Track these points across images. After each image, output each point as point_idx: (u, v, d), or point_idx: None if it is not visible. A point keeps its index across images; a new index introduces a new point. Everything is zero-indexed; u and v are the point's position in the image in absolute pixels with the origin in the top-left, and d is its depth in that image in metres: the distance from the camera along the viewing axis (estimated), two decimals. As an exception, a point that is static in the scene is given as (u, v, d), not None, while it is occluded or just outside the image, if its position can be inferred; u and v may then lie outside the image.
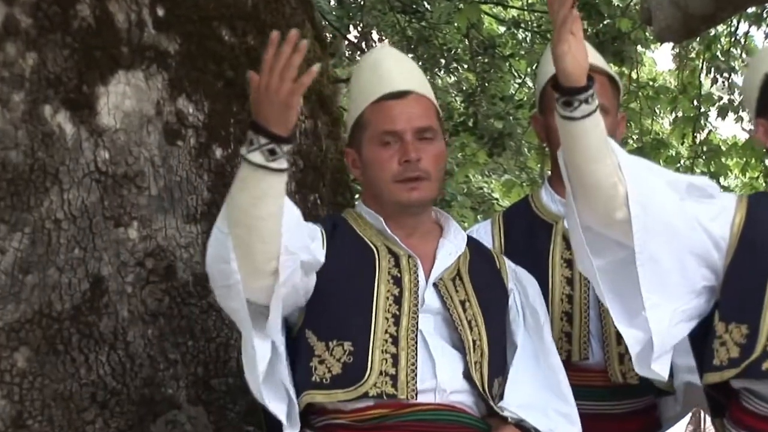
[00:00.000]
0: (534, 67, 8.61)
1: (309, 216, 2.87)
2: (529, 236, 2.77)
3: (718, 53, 8.96)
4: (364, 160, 2.41)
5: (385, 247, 2.37)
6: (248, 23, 2.87)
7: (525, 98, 9.39)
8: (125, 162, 2.61)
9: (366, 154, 2.40)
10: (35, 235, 2.50)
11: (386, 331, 2.27)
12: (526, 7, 8.98)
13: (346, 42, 9.50)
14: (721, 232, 2.33)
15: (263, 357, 2.17)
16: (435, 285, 2.37)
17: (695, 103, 9.06)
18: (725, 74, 9.03)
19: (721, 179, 9.24)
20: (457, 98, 10.25)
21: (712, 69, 9.03)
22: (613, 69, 3.43)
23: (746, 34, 9.07)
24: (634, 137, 9.64)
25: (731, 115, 9.31)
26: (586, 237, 2.29)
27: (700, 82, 9.07)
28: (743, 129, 9.99)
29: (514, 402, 2.33)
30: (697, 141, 9.24)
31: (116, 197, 2.58)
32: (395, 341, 2.27)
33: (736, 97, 9.16)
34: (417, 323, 2.30)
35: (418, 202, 2.37)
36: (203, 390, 2.61)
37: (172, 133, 2.69)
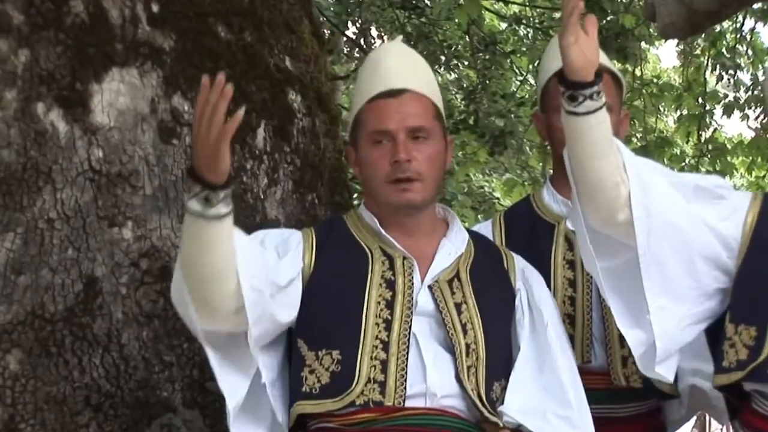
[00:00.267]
0: (536, 64, 8.59)
1: (307, 215, 2.84)
2: (531, 237, 2.73)
3: (724, 50, 8.94)
4: (360, 159, 2.38)
5: (380, 249, 2.34)
6: (245, 19, 2.84)
7: (526, 96, 9.38)
8: (119, 161, 2.58)
9: (361, 153, 2.37)
10: (28, 236, 2.47)
11: (377, 337, 2.24)
12: (527, 3, 8.95)
13: (345, 38, 9.48)
14: (732, 232, 2.29)
15: (233, 394, 2.17)
16: (430, 287, 2.33)
17: (700, 100, 9.04)
18: (731, 71, 9.02)
19: (727, 178, 9.20)
20: (458, 96, 10.22)
21: (718, 66, 9.02)
22: (616, 66, 3.40)
23: (752, 30, 9.03)
24: (638, 135, 9.60)
25: (737, 113, 9.29)
26: (591, 238, 2.26)
27: (705, 79, 9.05)
28: (749, 127, 9.98)
29: (514, 406, 2.29)
30: (702, 139, 9.22)
31: (110, 197, 2.55)
32: (386, 347, 2.24)
33: (742, 95, 9.15)
34: (410, 327, 2.26)
35: (410, 204, 2.32)
36: (199, 393, 2.58)
37: (167, 131, 2.65)
